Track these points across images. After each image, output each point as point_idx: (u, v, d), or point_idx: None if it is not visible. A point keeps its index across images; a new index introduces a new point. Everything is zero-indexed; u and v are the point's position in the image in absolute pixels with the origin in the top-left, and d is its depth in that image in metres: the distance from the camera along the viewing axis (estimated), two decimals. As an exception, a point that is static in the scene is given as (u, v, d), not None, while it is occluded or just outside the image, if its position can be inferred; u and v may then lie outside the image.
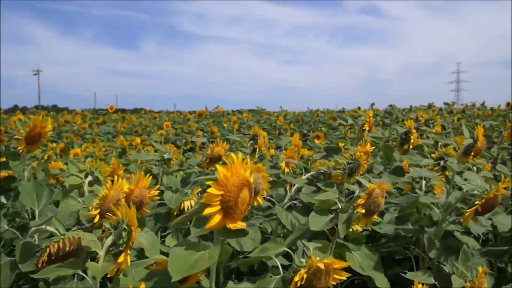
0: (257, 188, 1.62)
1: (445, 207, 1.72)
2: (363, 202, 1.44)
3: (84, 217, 1.49)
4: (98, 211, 1.36)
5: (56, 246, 1.20)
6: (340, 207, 1.61)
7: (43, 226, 1.32)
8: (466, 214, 1.53)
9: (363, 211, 1.44)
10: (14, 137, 1.82)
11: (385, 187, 1.48)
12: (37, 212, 1.53)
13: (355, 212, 1.48)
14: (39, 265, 1.18)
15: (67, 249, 1.21)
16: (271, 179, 1.78)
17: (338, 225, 1.49)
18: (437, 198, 1.74)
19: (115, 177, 1.38)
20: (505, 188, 1.48)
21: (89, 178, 1.66)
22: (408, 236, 1.95)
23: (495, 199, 1.50)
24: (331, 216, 1.56)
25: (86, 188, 1.70)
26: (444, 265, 1.60)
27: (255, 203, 1.70)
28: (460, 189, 1.75)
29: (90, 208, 1.39)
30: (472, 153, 1.86)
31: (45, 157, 3.39)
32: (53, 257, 1.19)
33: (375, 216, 1.53)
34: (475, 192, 1.53)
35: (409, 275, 1.44)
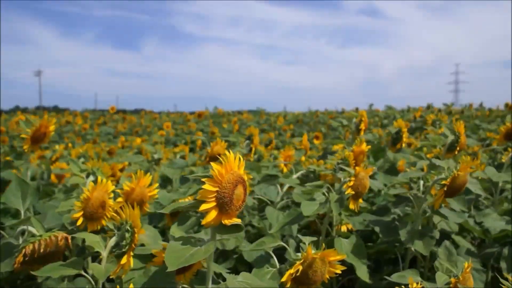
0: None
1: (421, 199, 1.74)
2: (351, 184, 1.55)
3: (67, 220, 1.43)
4: (81, 213, 1.31)
5: (31, 247, 1.17)
6: (326, 194, 1.67)
7: (26, 226, 1.29)
8: (437, 195, 1.58)
9: (353, 192, 1.54)
10: (20, 136, 1.82)
11: (369, 170, 1.60)
12: (22, 212, 1.47)
13: (345, 193, 1.56)
14: (15, 266, 1.17)
15: (42, 250, 1.17)
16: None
17: (331, 204, 1.55)
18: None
19: (99, 178, 1.35)
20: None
21: (91, 178, 1.63)
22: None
23: (461, 178, 1.52)
24: (321, 202, 1.62)
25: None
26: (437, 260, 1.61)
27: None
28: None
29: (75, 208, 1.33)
30: (458, 149, 1.91)
31: (53, 158, 3.45)
32: (27, 258, 1.17)
33: (360, 200, 1.62)
34: (443, 175, 1.57)
35: (394, 276, 1.41)
